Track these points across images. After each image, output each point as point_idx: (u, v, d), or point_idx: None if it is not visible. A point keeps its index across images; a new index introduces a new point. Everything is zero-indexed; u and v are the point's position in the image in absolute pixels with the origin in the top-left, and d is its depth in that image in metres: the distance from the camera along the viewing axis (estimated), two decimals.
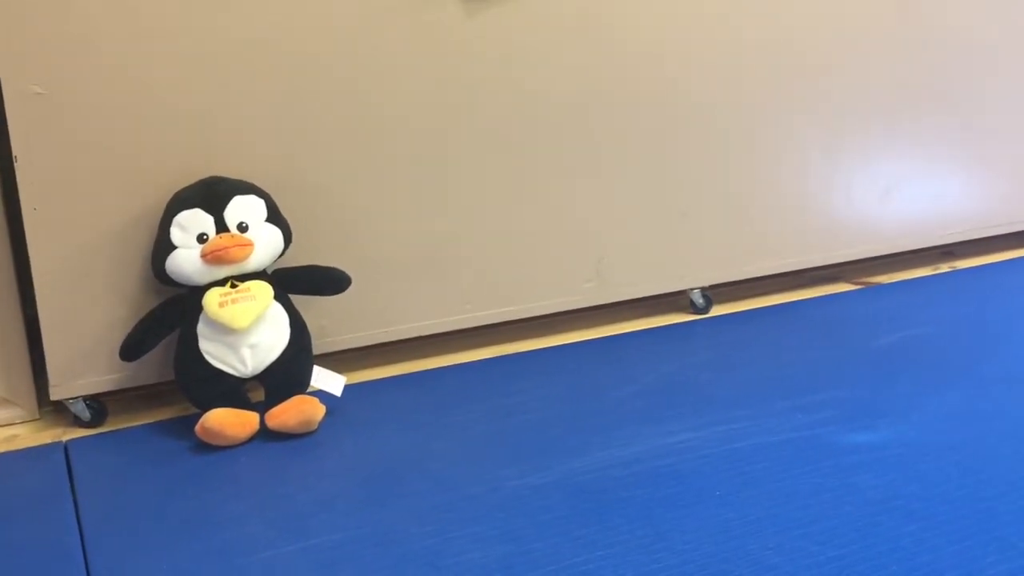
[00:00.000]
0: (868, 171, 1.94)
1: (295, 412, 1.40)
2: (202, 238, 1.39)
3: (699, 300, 1.86)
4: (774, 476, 1.27)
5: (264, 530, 1.18)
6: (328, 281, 1.49)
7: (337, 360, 1.56)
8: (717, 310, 1.87)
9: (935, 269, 2.06)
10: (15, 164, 1.35)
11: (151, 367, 1.47)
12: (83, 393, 1.45)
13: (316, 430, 1.42)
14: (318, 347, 1.51)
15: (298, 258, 1.49)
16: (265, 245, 1.42)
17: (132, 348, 1.41)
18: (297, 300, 1.48)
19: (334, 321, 1.56)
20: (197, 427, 1.37)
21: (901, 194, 1.98)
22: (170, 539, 1.17)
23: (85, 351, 1.44)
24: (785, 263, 1.93)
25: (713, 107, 1.77)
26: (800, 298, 1.93)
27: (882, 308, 1.87)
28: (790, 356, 1.66)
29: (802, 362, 1.64)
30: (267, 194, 1.44)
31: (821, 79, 1.84)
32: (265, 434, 1.41)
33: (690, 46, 1.71)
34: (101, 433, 1.45)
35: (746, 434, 1.38)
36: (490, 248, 1.66)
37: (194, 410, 1.44)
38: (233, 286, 1.40)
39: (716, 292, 1.89)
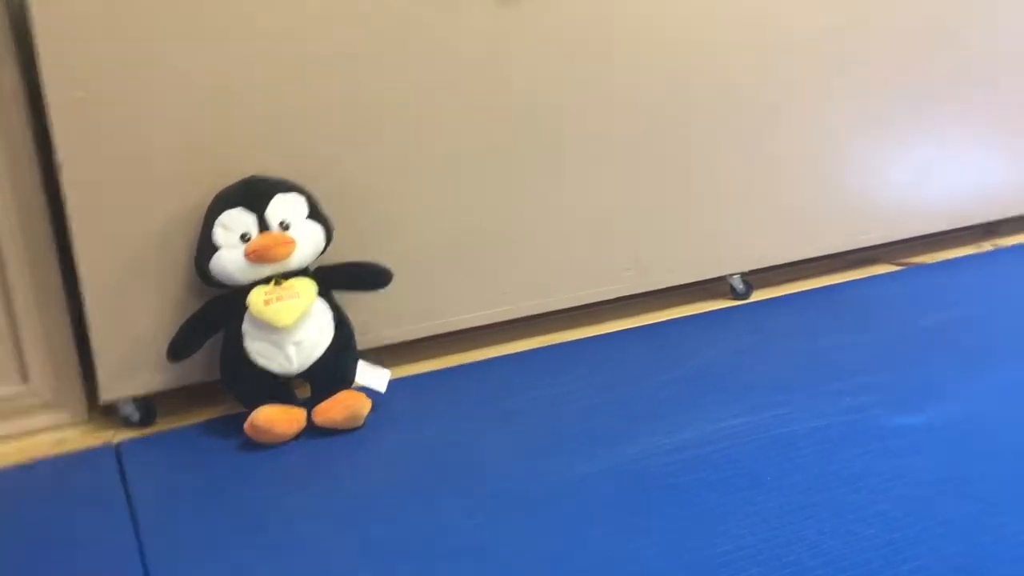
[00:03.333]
0: (907, 150, 1.92)
1: (342, 408, 1.41)
2: (245, 237, 1.40)
3: (739, 286, 1.85)
4: (824, 460, 1.26)
5: (315, 525, 1.19)
6: (370, 276, 1.50)
7: (380, 355, 1.57)
8: (757, 295, 1.86)
9: (978, 248, 2.03)
10: (60, 169, 1.37)
11: (198, 367, 1.49)
12: (132, 394, 1.47)
13: (362, 425, 1.43)
14: (361, 343, 1.51)
15: (339, 255, 1.50)
16: (307, 243, 1.43)
17: (179, 349, 1.42)
18: (340, 296, 1.49)
19: (377, 316, 1.57)
20: (246, 425, 1.39)
21: (941, 173, 1.95)
22: (225, 536, 1.18)
23: (133, 352, 1.45)
24: (824, 246, 1.91)
25: (750, 92, 1.75)
26: (840, 281, 1.91)
27: (924, 289, 1.85)
28: (833, 340, 1.65)
29: (845, 345, 1.62)
30: (308, 191, 1.45)
31: (859, 59, 1.82)
32: (312, 430, 1.42)
33: (726, 31, 1.70)
34: (151, 434, 1.46)
35: (793, 419, 1.38)
36: (530, 240, 1.66)
37: (241, 408, 1.46)
38: (277, 284, 1.41)
39: (756, 277, 1.88)
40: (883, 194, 1.92)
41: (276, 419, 1.39)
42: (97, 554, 1.17)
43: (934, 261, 1.98)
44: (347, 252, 1.51)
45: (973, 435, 1.29)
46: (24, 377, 1.46)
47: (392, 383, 1.50)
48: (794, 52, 1.77)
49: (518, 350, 1.67)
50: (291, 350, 1.41)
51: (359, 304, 1.52)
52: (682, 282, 1.81)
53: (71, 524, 1.23)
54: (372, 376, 1.49)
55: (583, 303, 1.74)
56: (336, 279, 1.48)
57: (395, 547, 1.14)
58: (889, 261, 2.00)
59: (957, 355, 1.54)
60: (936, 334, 1.63)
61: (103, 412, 1.51)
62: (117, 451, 1.41)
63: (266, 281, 1.41)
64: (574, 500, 1.21)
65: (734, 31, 1.71)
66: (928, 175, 1.94)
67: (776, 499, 1.18)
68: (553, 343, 1.69)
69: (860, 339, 1.64)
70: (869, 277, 1.92)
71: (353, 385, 1.47)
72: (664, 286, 1.80)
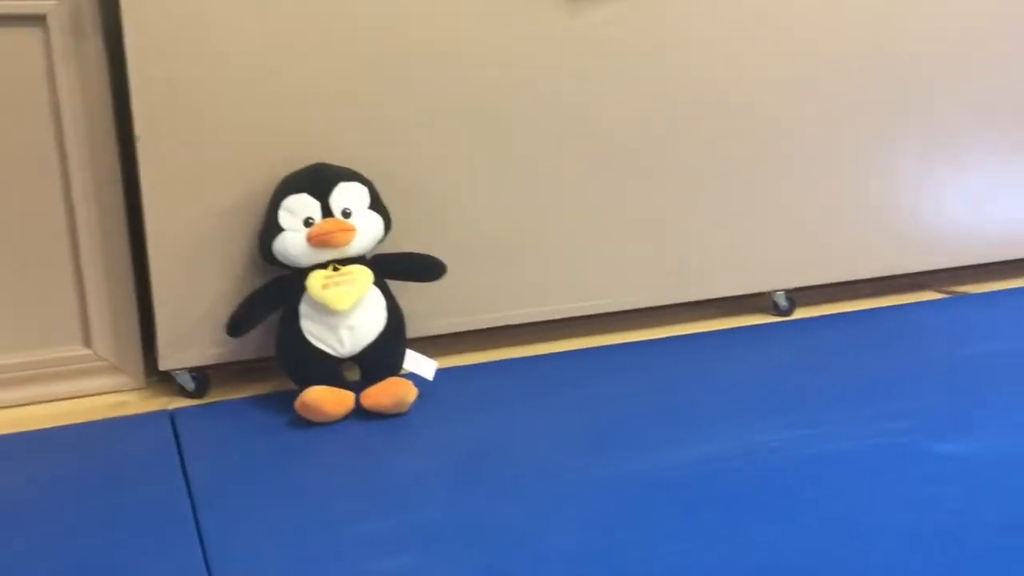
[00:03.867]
0: (961, 179, 1.92)
1: (389, 393, 1.45)
2: (308, 222, 1.44)
3: (782, 302, 1.87)
4: (861, 482, 1.27)
5: (363, 503, 1.23)
6: (425, 268, 1.54)
7: (427, 345, 1.61)
8: (800, 313, 1.88)
9: None
10: (137, 143, 1.42)
11: (251, 343, 1.54)
12: (189, 365, 1.53)
13: (408, 411, 1.47)
14: (410, 331, 1.56)
15: (396, 245, 1.54)
16: (367, 231, 1.47)
17: (238, 324, 1.47)
18: (393, 285, 1.53)
19: (427, 307, 1.61)
20: (296, 403, 1.43)
21: (994, 204, 1.95)
22: (275, 507, 1.22)
23: (192, 325, 1.51)
24: (871, 269, 1.92)
25: (809, 114, 1.77)
26: (885, 305, 1.92)
27: (970, 318, 1.85)
28: (874, 362, 1.66)
29: (887, 369, 1.63)
30: (370, 182, 1.50)
31: (918, 87, 1.83)
32: (358, 413, 1.46)
33: (784, 54, 1.72)
34: (204, 404, 1.52)
35: (830, 438, 1.39)
36: (579, 243, 1.69)
37: (290, 386, 1.51)
38: (335, 269, 1.45)
39: (799, 295, 1.89)
40: (935, 221, 1.92)
41: (326, 399, 1.43)
42: (151, 510, 1.22)
43: (982, 291, 1.98)
44: (403, 243, 1.55)
45: (1013, 467, 1.30)
46: (87, 341, 1.52)
47: (438, 373, 1.54)
48: (852, 76, 1.78)
49: (560, 349, 1.71)
50: (344, 334, 1.46)
51: (410, 293, 1.56)
52: (726, 294, 1.83)
53: (128, 481, 1.28)
54: (420, 364, 1.53)
55: (627, 308, 1.77)
56: (392, 268, 1.52)
57: (438, 530, 1.17)
58: (936, 288, 2.01)
59: (1000, 386, 1.55)
60: (980, 364, 1.64)
61: (160, 380, 1.57)
62: (172, 417, 1.46)
63: (325, 265, 1.46)
64: (611, 499, 1.24)
65: (793, 55, 1.73)
66: (982, 205, 1.95)
67: (812, 516, 1.20)
68: (595, 345, 1.72)
69: (902, 364, 1.65)
70: (915, 303, 1.92)
71: (400, 372, 1.51)
72: (708, 297, 1.82)
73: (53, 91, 1.41)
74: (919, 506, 1.22)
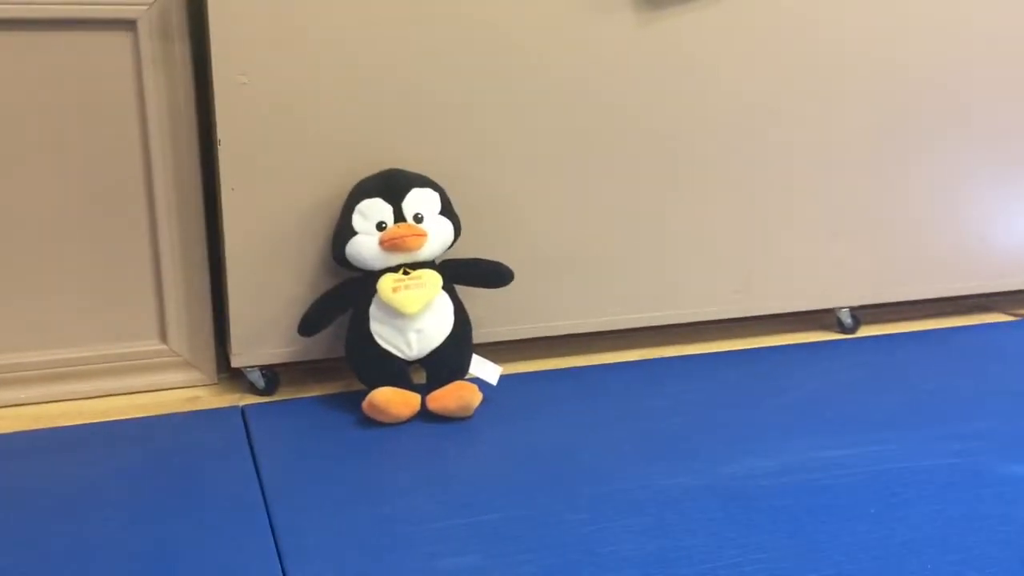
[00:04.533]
0: None
1: (455, 397, 1.47)
2: (381, 226, 1.47)
3: (847, 320, 1.86)
4: (928, 500, 1.26)
5: (429, 503, 1.25)
6: (493, 275, 1.56)
7: (491, 351, 1.63)
8: (864, 331, 1.86)
9: None
10: (218, 147, 1.46)
11: (321, 343, 1.57)
12: (260, 363, 1.56)
13: (472, 415, 1.49)
14: (476, 337, 1.58)
15: (464, 251, 1.56)
16: (437, 236, 1.49)
17: (310, 324, 1.51)
18: (460, 290, 1.55)
19: (492, 313, 1.63)
20: (364, 403, 1.46)
21: None
22: (343, 503, 1.25)
23: (265, 324, 1.54)
24: (937, 289, 1.90)
25: (875, 127, 1.76)
26: (951, 325, 1.90)
27: None
28: (940, 382, 1.64)
29: (953, 389, 1.61)
30: (442, 188, 1.52)
31: (989, 104, 1.81)
32: (424, 415, 1.48)
33: (855, 67, 1.71)
34: (274, 401, 1.55)
35: (897, 456, 1.38)
36: (643, 254, 1.70)
37: (356, 387, 1.54)
38: (406, 273, 1.48)
39: (864, 313, 1.88)
40: (1004, 243, 1.89)
41: (393, 401, 1.46)
42: (225, 502, 1.25)
43: None
44: (472, 249, 1.58)
45: None
46: (164, 336, 1.56)
47: (502, 378, 1.56)
48: (929, 92, 1.77)
49: (623, 360, 1.71)
50: (412, 337, 1.48)
51: (476, 299, 1.59)
52: (790, 310, 1.82)
53: (201, 473, 1.32)
54: (485, 369, 1.55)
55: (691, 320, 1.77)
56: (460, 274, 1.54)
57: (502, 532, 1.19)
58: (1004, 311, 1.98)
59: None
60: None
61: (231, 376, 1.61)
62: (243, 413, 1.50)
63: (395, 269, 1.48)
64: (675, 509, 1.24)
65: (859, 71, 1.72)
66: None
67: (879, 532, 1.19)
68: (658, 356, 1.73)
69: (969, 385, 1.63)
70: (982, 324, 1.90)
71: (466, 376, 1.53)
72: (772, 312, 1.81)
73: (140, 93, 1.46)
74: (987, 526, 1.20)
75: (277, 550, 1.15)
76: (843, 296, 1.84)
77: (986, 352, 1.78)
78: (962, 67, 1.78)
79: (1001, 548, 1.16)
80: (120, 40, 1.44)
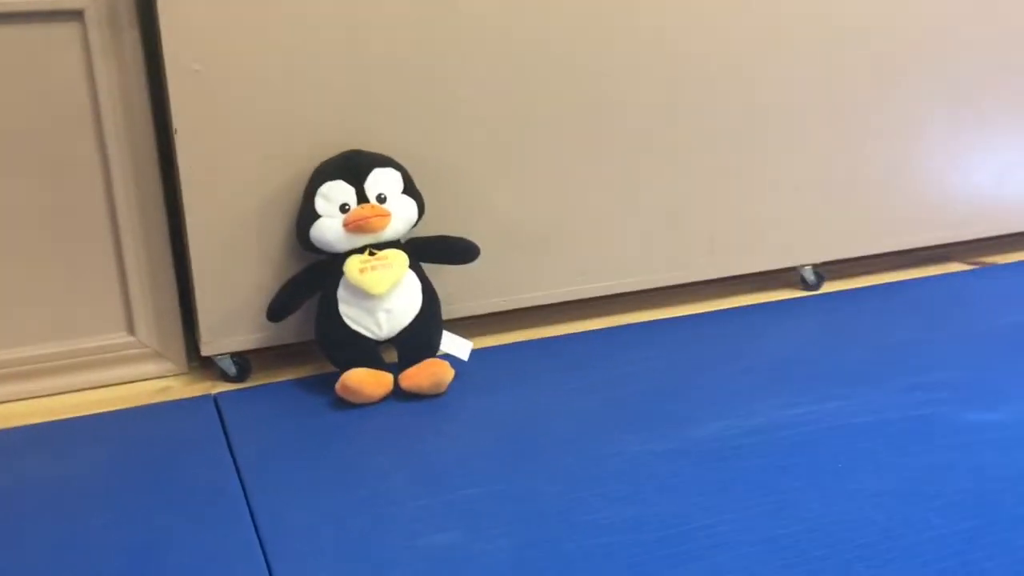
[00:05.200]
0: (985, 151, 1.92)
1: (427, 374, 1.48)
2: (344, 208, 1.47)
3: (810, 277, 1.89)
4: (895, 451, 1.30)
5: (406, 483, 1.27)
6: (459, 252, 1.57)
7: (461, 326, 1.64)
8: (828, 287, 1.89)
9: None
10: (175, 136, 1.45)
11: (290, 327, 1.57)
12: (230, 350, 1.56)
13: (445, 392, 1.50)
14: (445, 312, 1.58)
15: (429, 229, 1.57)
16: (401, 216, 1.49)
17: (278, 310, 1.51)
18: (426, 268, 1.55)
19: (460, 289, 1.64)
20: (337, 385, 1.47)
21: (1018, 174, 1.96)
22: (321, 486, 1.26)
23: (233, 311, 1.54)
24: (897, 242, 1.93)
25: (827, 86, 1.78)
26: (912, 277, 1.93)
27: (997, 289, 1.86)
28: (903, 335, 1.68)
29: (916, 341, 1.65)
30: (403, 167, 1.52)
31: (942, 58, 1.84)
32: (397, 394, 1.49)
33: (803, 26, 1.72)
34: (246, 388, 1.55)
35: (863, 410, 1.41)
36: (608, 223, 1.71)
37: (328, 368, 1.54)
38: (371, 254, 1.48)
39: (827, 269, 1.91)
40: (961, 193, 1.93)
41: (365, 381, 1.46)
42: (203, 491, 1.26)
43: (1008, 262, 1.99)
44: (435, 227, 1.58)
45: None
46: (131, 328, 1.56)
47: (473, 353, 1.57)
48: (874, 48, 1.78)
49: (593, 328, 1.73)
50: (382, 317, 1.49)
51: (444, 276, 1.59)
52: (754, 270, 1.85)
53: (177, 464, 1.32)
54: (456, 345, 1.56)
55: (657, 286, 1.79)
56: (426, 252, 1.55)
57: (483, 508, 1.21)
58: (962, 260, 2.01)
59: None
60: (1009, 334, 1.66)
61: (202, 364, 1.60)
62: (216, 401, 1.50)
63: (361, 250, 1.48)
64: (650, 474, 1.27)
65: (814, 25, 1.73)
66: (1008, 176, 1.95)
67: (847, 485, 1.22)
68: (626, 323, 1.75)
69: (931, 336, 1.67)
70: (942, 275, 1.94)
71: (437, 353, 1.54)
72: (736, 273, 1.84)
73: (92, 85, 1.44)
74: (953, 474, 1.24)
75: (258, 536, 1.16)
76: (805, 254, 1.87)
77: (946, 302, 1.82)
78: (916, 20, 1.79)
79: (965, 495, 1.20)
80: (68, 31, 1.41)
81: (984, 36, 1.85)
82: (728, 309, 1.81)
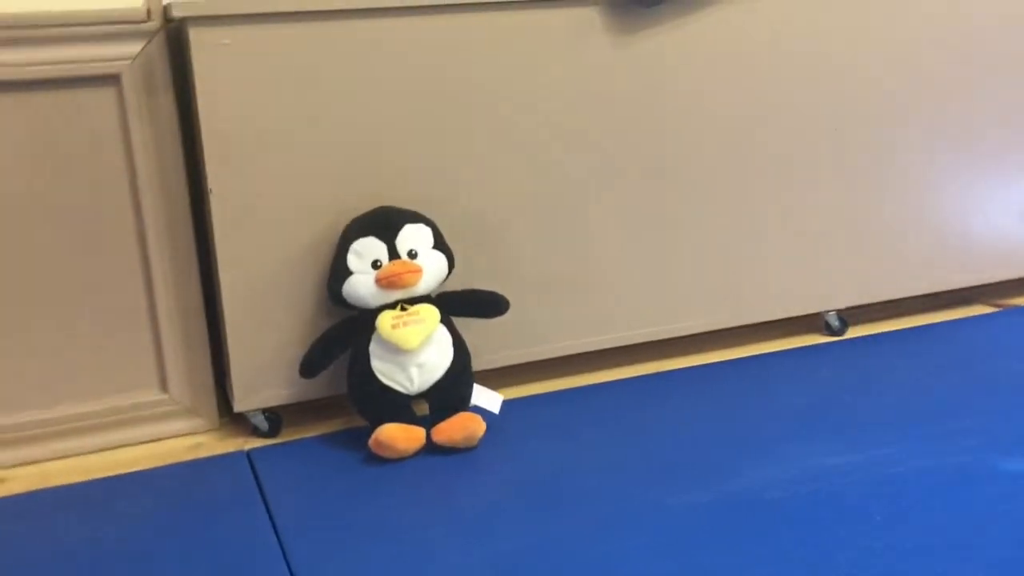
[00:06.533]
0: (1006, 193, 1.94)
1: (460, 428, 1.49)
2: (376, 264, 1.49)
3: (835, 322, 1.89)
4: (933, 502, 1.29)
5: (443, 537, 1.27)
6: (489, 305, 1.58)
7: (492, 377, 1.65)
8: (852, 332, 1.90)
9: None
10: (209, 195, 1.47)
11: (322, 382, 1.58)
12: (263, 406, 1.57)
13: (477, 445, 1.50)
14: (475, 365, 1.59)
15: (457, 282, 1.58)
16: (432, 270, 1.51)
17: (311, 366, 1.52)
18: (456, 321, 1.57)
19: (488, 341, 1.65)
20: (371, 440, 1.47)
21: None
22: (358, 540, 1.26)
23: (265, 367, 1.55)
24: (921, 285, 1.94)
25: (849, 131, 1.80)
26: (936, 320, 1.94)
27: (1022, 330, 1.86)
28: (931, 380, 1.68)
29: (944, 386, 1.65)
30: (433, 223, 1.54)
31: (958, 102, 1.86)
32: (429, 448, 1.50)
33: (830, 76, 1.75)
34: (279, 443, 1.56)
35: (898, 459, 1.41)
36: (634, 273, 1.73)
37: (359, 423, 1.55)
38: (403, 309, 1.50)
39: (851, 314, 1.92)
40: (983, 235, 1.94)
41: (398, 436, 1.47)
42: (240, 547, 1.26)
43: None
44: (465, 280, 1.59)
45: None
46: (164, 386, 1.57)
47: (503, 404, 1.58)
48: (903, 93, 1.81)
49: (621, 377, 1.74)
50: (414, 371, 1.50)
51: (473, 328, 1.60)
52: (779, 316, 1.86)
53: (214, 520, 1.33)
54: (486, 398, 1.57)
55: (683, 334, 1.80)
56: (456, 305, 1.56)
57: (520, 562, 1.21)
58: (986, 302, 2.02)
59: None
60: None
61: (233, 420, 1.61)
62: (249, 457, 1.51)
63: (393, 305, 1.50)
64: (684, 526, 1.27)
65: (835, 79, 1.76)
66: None
67: (887, 538, 1.22)
68: (654, 371, 1.75)
69: (959, 380, 1.66)
70: (966, 318, 1.94)
71: (469, 406, 1.55)
72: (762, 320, 1.85)
73: (128, 147, 1.47)
74: (992, 524, 1.23)
75: None
76: (830, 299, 1.88)
77: (972, 345, 1.82)
78: (931, 68, 1.82)
79: (1009, 547, 1.19)
80: (105, 95, 1.45)
81: (1002, 79, 1.87)
82: (754, 356, 1.81)
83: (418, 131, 1.55)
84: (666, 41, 1.64)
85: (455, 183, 1.59)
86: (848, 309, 1.91)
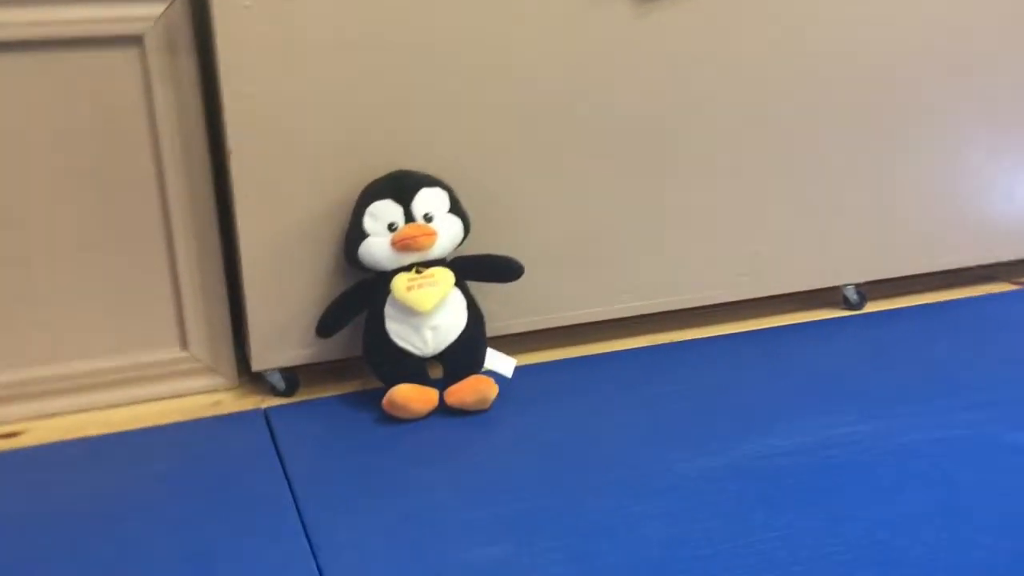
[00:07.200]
0: None
1: (472, 390, 1.51)
2: (392, 227, 1.50)
3: (853, 296, 1.89)
4: (942, 471, 1.30)
5: (455, 496, 1.29)
6: (504, 269, 1.59)
7: (506, 343, 1.66)
8: (870, 307, 1.89)
9: None
10: (229, 156, 1.49)
11: (338, 343, 1.60)
12: (280, 365, 1.59)
13: (489, 408, 1.52)
14: (489, 330, 1.60)
15: (474, 247, 1.59)
16: (447, 234, 1.52)
17: (328, 326, 1.54)
18: (472, 286, 1.58)
19: (503, 306, 1.66)
20: (384, 400, 1.49)
21: None
22: (372, 499, 1.28)
23: (283, 327, 1.57)
24: (941, 261, 1.93)
25: (871, 105, 1.78)
26: (956, 297, 1.93)
27: None
28: (948, 355, 1.67)
29: (960, 361, 1.64)
30: (449, 187, 1.55)
31: (983, 77, 1.83)
32: (443, 410, 1.51)
33: (849, 46, 1.74)
34: (295, 402, 1.58)
35: (909, 430, 1.41)
36: (650, 240, 1.73)
37: (374, 384, 1.57)
38: (418, 272, 1.51)
39: (869, 288, 1.91)
40: (1005, 212, 1.92)
41: (412, 397, 1.49)
42: (256, 503, 1.28)
43: None
44: (480, 245, 1.60)
45: None
46: (184, 344, 1.59)
47: (517, 370, 1.59)
48: (923, 66, 1.79)
49: (635, 346, 1.74)
50: (428, 334, 1.51)
51: (488, 293, 1.61)
52: (796, 289, 1.85)
53: (231, 476, 1.35)
54: (500, 362, 1.58)
55: (699, 304, 1.80)
56: (471, 270, 1.57)
57: (529, 521, 1.22)
58: (1007, 280, 2.00)
59: None
60: None
61: (251, 379, 1.64)
62: (266, 415, 1.53)
63: (408, 268, 1.51)
64: (695, 491, 1.28)
65: (859, 47, 1.74)
66: None
67: (896, 506, 1.22)
68: (669, 341, 1.76)
69: (976, 355, 1.66)
70: (986, 295, 1.93)
71: (482, 370, 1.56)
72: (778, 292, 1.84)
73: (150, 107, 1.49)
74: (1001, 495, 1.23)
75: (311, 548, 1.19)
76: (848, 273, 1.87)
77: (991, 321, 1.81)
78: (952, 38, 1.80)
79: (1013, 516, 1.19)
80: (128, 56, 1.46)
81: (1019, 55, 1.85)
82: (770, 328, 1.81)
83: (439, 97, 1.55)
84: (684, 10, 1.63)
85: (472, 149, 1.59)
86: (867, 284, 1.90)
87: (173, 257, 1.55)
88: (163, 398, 1.59)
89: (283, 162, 1.51)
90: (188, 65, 1.48)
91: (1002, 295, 1.93)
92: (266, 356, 1.58)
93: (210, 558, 1.17)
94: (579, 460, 1.37)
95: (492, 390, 1.52)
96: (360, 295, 1.54)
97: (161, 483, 1.35)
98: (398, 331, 1.51)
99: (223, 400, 1.60)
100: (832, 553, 1.14)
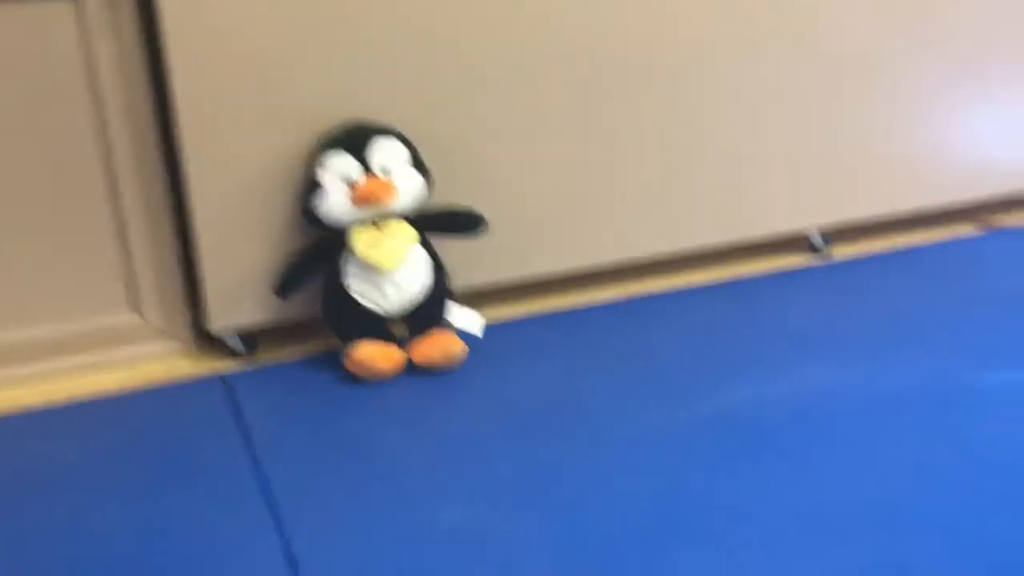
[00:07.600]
0: (994, 111, 1.90)
1: (438, 347, 1.47)
2: (348, 181, 1.44)
3: (818, 241, 1.87)
4: (921, 416, 1.29)
5: (423, 457, 1.25)
6: (466, 223, 1.54)
7: (472, 299, 1.62)
8: (838, 253, 1.88)
9: None
10: (177, 109, 1.42)
11: (297, 304, 1.55)
12: (238, 326, 1.54)
13: (457, 366, 1.48)
14: (454, 285, 1.56)
15: (437, 199, 1.54)
16: (408, 188, 1.47)
17: (285, 286, 1.49)
18: (434, 240, 1.53)
19: (469, 261, 1.61)
20: (347, 359, 1.45)
21: None
22: (337, 461, 1.25)
23: (239, 286, 1.52)
24: (904, 203, 1.91)
25: (839, 44, 1.75)
26: (923, 240, 1.92)
27: (1009, 250, 1.85)
28: (916, 300, 1.66)
29: (930, 304, 1.64)
30: (409, 141, 1.49)
31: (948, 18, 1.81)
32: (409, 369, 1.47)
33: None
34: (255, 366, 1.53)
35: (885, 376, 1.40)
36: (616, 193, 1.69)
37: (336, 345, 1.52)
38: (377, 227, 1.46)
39: (837, 233, 1.89)
40: (968, 153, 1.91)
41: (376, 355, 1.44)
42: (217, 470, 1.24)
43: (1018, 223, 1.97)
44: (444, 196, 1.55)
45: None
46: (136, 307, 1.53)
47: (486, 328, 1.55)
48: (879, 10, 1.76)
49: (605, 299, 1.71)
50: (389, 290, 1.46)
51: (452, 247, 1.57)
52: (764, 233, 1.83)
53: (191, 443, 1.31)
54: (467, 320, 1.54)
55: (667, 254, 1.77)
56: (433, 224, 1.52)
57: (499, 480, 1.19)
58: (971, 221, 2.00)
59: None
60: (1020, 295, 1.64)
61: (209, 343, 1.58)
62: (224, 380, 1.48)
63: (366, 223, 1.46)
64: (675, 444, 1.25)
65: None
66: (1015, 136, 1.93)
67: (876, 454, 1.21)
68: (639, 293, 1.73)
69: (945, 298, 1.65)
70: (951, 238, 1.92)
71: (448, 326, 1.52)
72: (745, 237, 1.82)
73: (89, 63, 1.41)
74: (985, 435, 1.23)
75: (274, 515, 1.15)
76: (814, 217, 1.85)
77: (956, 265, 1.80)
78: None
79: (995, 456, 1.19)
80: (64, 10, 1.38)
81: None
82: (741, 278, 1.78)
83: (397, 46, 1.49)
84: None
85: (435, 100, 1.53)
86: (832, 229, 1.88)
87: (121, 216, 1.49)
88: (115, 364, 1.53)
89: (233, 112, 1.44)
90: (128, 17, 1.40)
91: (967, 240, 1.92)
92: (223, 316, 1.53)
93: (169, 529, 1.13)
94: (552, 417, 1.34)
95: (457, 345, 1.48)
96: (318, 252, 1.49)
97: (118, 453, 1.30)
98: (359, 288, 1.47)
99: (179, 365, 1.54)
100: (811, 504, 1.12)
